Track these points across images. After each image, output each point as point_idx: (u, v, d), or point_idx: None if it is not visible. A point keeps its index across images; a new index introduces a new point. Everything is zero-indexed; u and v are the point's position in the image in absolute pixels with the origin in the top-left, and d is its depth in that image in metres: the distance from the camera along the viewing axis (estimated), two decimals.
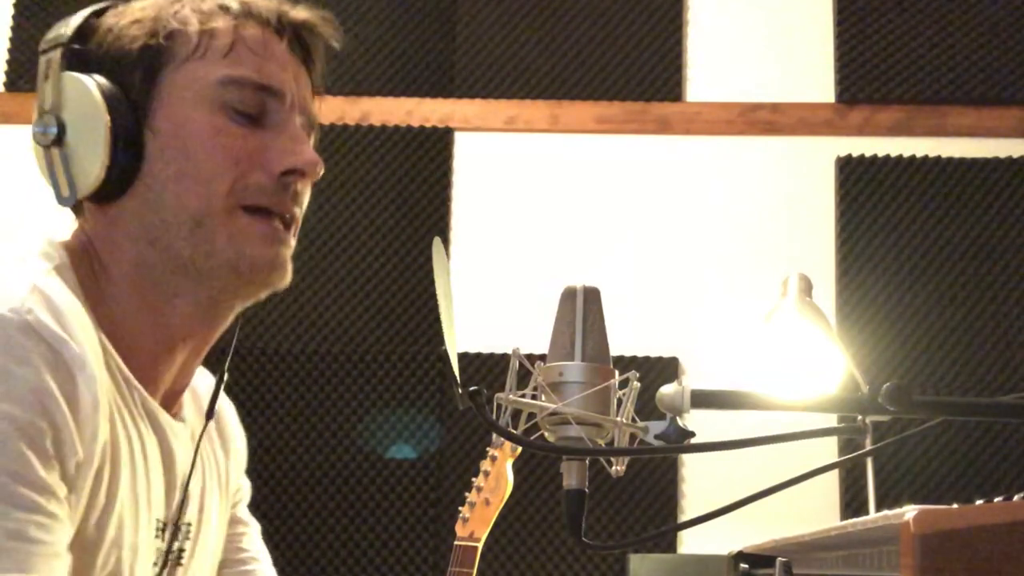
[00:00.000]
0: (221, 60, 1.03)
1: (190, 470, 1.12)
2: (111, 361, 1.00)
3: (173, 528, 1.11)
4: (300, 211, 1.08)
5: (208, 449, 1.19)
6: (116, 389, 1.00)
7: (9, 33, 3.49)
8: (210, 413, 1.15)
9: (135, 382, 1.03)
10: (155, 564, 1.08)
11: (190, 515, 1.13)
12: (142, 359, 1.03)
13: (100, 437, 0.95)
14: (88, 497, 0.96)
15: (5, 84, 3.45)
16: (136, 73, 1.02)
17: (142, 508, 1.04)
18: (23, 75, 3.44)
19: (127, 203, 1.03)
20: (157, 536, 1.08)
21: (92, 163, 1.00)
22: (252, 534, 1.31)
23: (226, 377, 1.17)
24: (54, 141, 1.01)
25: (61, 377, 0.91)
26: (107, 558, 0.99)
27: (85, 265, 1.03)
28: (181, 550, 1.12)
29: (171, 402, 1.10)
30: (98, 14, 1.06)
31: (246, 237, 1.03)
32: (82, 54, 1.02)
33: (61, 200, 1.02)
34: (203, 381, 1.21)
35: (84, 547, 0.97)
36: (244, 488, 1.31)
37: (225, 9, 1.05)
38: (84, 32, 1.03)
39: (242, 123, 1.04)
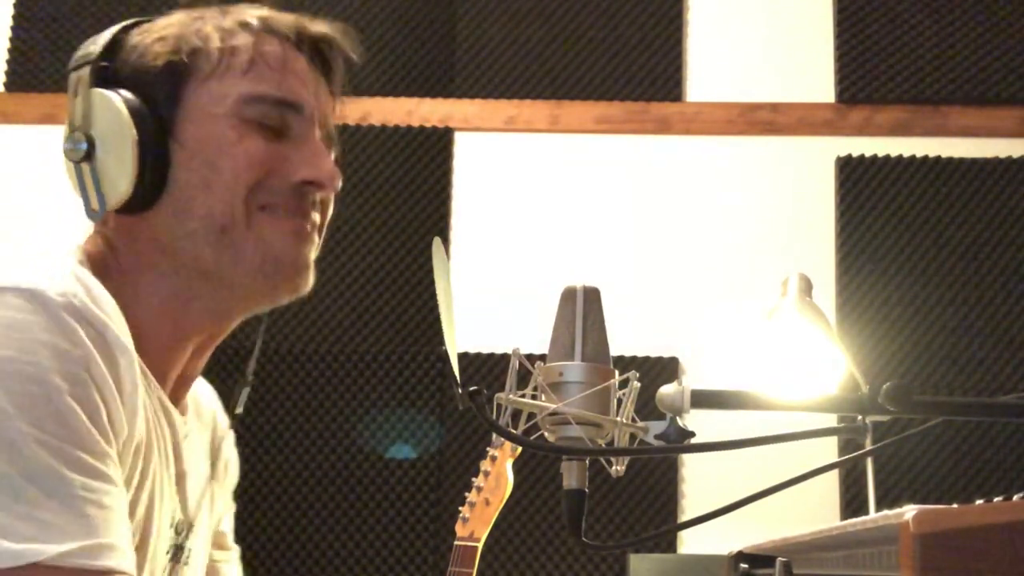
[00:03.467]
0: (242, 77, 1.07)
1: (198, 472, 1.16)
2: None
3: (186, 525, 1.14)
4: (323, 219, 1.13)
5: (206, 464, 1.22)
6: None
7: (9, 33, 3.49)
8: (216, 459, 1.21)
9: (150, 374, 1.06)
10: (167, 554, 1.11)
11: (193, 515, 1.16)
12: (153, 355, 1.07)
13: (139, 417, 0.99)
14: (127, 476, 0.99)
15: (5, 84, 3.45)
16: (160, 88, 1.06)
17: (161, 495, 1.07)
18: (23, 75, 3.44)
19: (154, 214, 1.06)
20: (171, 527, 1.11)
21: (121, 177, 1.04)
22: (234, 558, 1.35)
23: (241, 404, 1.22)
24: (84, 157, 1.05)
25: (107, 357, 0.94)
26: (138, 536, 1.02)
27: (101, 267, 1.06)
28: (184, 547, 1.15)
29: (177, 397, 1.13)
30: (125, 30, 1.10)
31: (271, 236, 1.07)
32: (109, 71, 1.06)
33: (90, 214, 1.06)
34: (201, 389, 1.24)
35: None
36: (229, 512, 1.34)
37: (245, 26, 1.09)
38: (111, 49, 1.07)
39: (265, 135, 1.08)
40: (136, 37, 1.08)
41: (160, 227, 1.06)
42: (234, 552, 1.34)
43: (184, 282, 1.07)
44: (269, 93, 1.08)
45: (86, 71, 1.06)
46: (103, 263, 1.07)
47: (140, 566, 1.03)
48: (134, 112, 1.04)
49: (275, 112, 1.08)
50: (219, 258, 1.06)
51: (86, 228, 1.12)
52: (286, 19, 1.11)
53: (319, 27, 1.13)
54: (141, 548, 1.02)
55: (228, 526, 1.33)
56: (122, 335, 0.97)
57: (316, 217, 1.12)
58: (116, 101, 1.04)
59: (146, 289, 1.07)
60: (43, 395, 0.89)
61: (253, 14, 1.11)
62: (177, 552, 1.12)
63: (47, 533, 0.86)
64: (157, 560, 1.07)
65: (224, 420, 1.28)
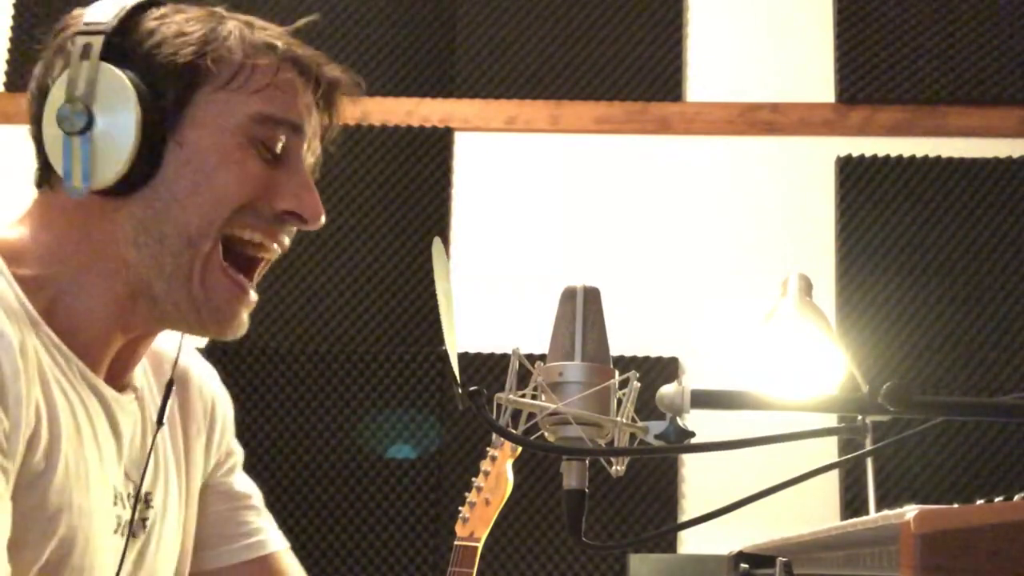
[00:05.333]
0: (256, 95, 1.07)
1: (152, 441, 1.14)
2: (40, 331, 1.02)
3: (134, 497, 1.12)
4: (278, 254, 1.13)
5: (177, 431, 1.21)
6: (51, 358, 1.02)
7: (9, 33, 3.49)
8: (160, 418, 1.16)
9: (71, 354, 1.04)
10: (115, 531, 1.09)
11: (149, 485, 1.14)
12: (83, 337, 1.05)
13: (24, 403, 0.96)
14: (22, 463, 0.96)
15: (5, 84, 3.45)
16: (173, 84, 1.04)
17: (92, 473, 1.05)
18: (23, 75, 3.43)
19: (129, 204, 1.04)
20: (116, 504, 1.09)
21: (114, 160, 1.02)
22: (253, 504, 1.32)
23: (173, 384, 1.19)
24: (80, 130, 1.02)
25: None
26: (56, 522, 1.00)
27: (20, 251, 1.04)
28: (144, 519, 1.13)
29: (117, 377, 1.11)
30: (140, 9, 1.07)
31: (217, 288, 1.07)
32: (121, 48, 1.03)
33: (71, 190, 1.02)
34: (193, 362, 1.24)
35: (30, 511, 0.98)
36: (236, 455, 1.31)
37: (271, 48, 1.09)
38: (125, 26, 1.05)
39: (264, 158, 1.08)
40: (152, 22, 1.06)
41: (129, 217, 1.05)
42: (252, 499, 1.31)
43: (134, 277, 1.06)
44: (279, 115, 1.08)
45: (97, 41, 1.03)
46: (27, 244, 1.05)
47: (71, 552, 1.01)
48: (142, 98, 1.02)
49: (278, 134, 1.08)
50: (174, 271, 1.05)
51: (11, 212, 1.10)
52: (307, 52, 1.12)
53: (334, 71, 1.14)
54: (68, 531, 1.00)
55: (235, 479, 1.30)
56: (1, 320, 0.95)
57: (285, 241, 1.12)
58: (127, 83, 1.01)
59: (85, 282, 1.05)
60: None
61: (278, 37, 1.11)
62: (133, 526, 1.11)
63: None
64: (98, 540, 1.05)
65: (217, 387, 1.27)
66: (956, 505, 0.75)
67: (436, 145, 3.40)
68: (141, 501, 1.13)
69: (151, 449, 1.14)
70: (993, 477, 3.08)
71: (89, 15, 1.05)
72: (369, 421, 3.22)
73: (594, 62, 3.43)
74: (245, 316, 1.10)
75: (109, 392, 1.09)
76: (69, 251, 1.05)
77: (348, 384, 3.25)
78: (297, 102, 1.10)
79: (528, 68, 3.43)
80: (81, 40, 1.03)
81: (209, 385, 1.28)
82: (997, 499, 0.77)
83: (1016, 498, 0.78)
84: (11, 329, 0.96)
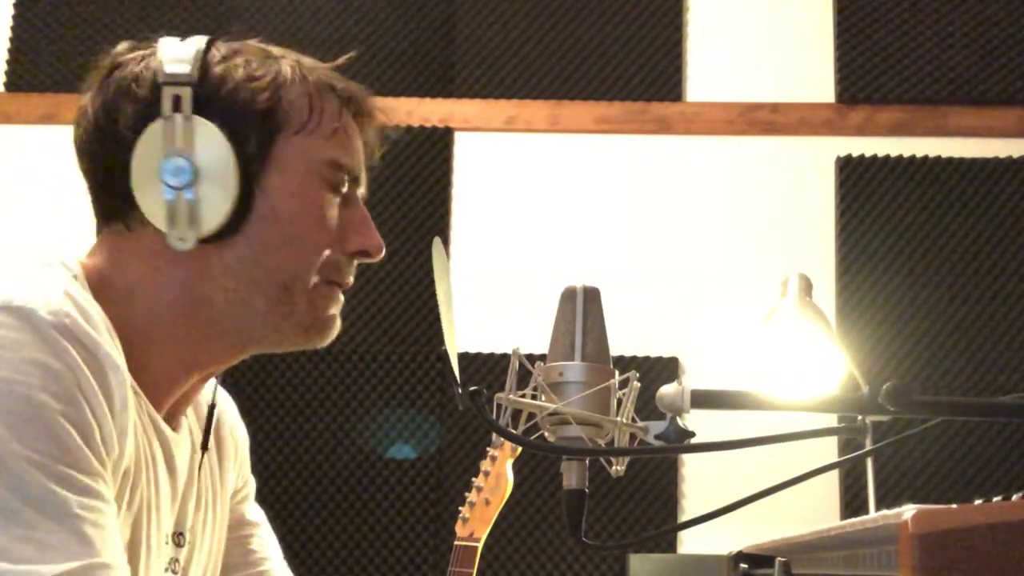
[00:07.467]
0: (327, 141, 1.09)
1: (196, 482, 1.16)
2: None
3: (178, 536, 1.14)
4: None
5: (206, 460, 1.22)
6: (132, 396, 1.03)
7: (9, 33, 3.49)
8: (205, 443, 1.19)
9: (142, 393, 1.05)
10: (166, 569, 1.11)
11: (191, 523, 1.16)
12: (153, 377, 1.06)
13: (128, 437, 0.98)
14: (116, 494, 0.99)
15: (5, 84, 3.45)
16: (254, 131, 1.05)
17: (154, 513, 1.07)
18: (23, 75, 3.44)
19: (220, 249, 1.05)
20: (167, 543, 1.11)
21: (216, 212, 1.03)
22: (260, 534, 1.35)
23: (216, 408, 1.21)
24: (186, 185, 1.02)
25: (98, 376, 0.94)
26: (126, 554, 1.01)
27: (104, 285, 1.05)
28: (181, 559, 1.15)
29: (173, 416, 1.13)
30: (205, 54, 1.06)
31: (323, 303, 1.10)
32: (204, 98, 1.04)
33: (176, 241, 1.03)
34: (207, 394, 1.24)
35: None
36: (249, 485, 1.34)
37: (331, 88, 1.11)
38: (202, 74, 1.05)
39: (335, 201, 1.11)
40: (219, 66, 1.06)
41: (214, 265, 1.05)
42: (260, 527, 1.34)
43: (217, 319, 1.06)
44: (347, 163, 1.10)
45: (187, 92, 1.03)
46: (108, 282, 1.05)
47: None
48: (235, 149, 1.03)
49: (344, 180, 1.10)
50: (270, 310, 1.07)
51: (90, 240, 1.10)
52: (357, 90, 1.13)
53: (375, 107, 1.16)
54: (131, 566, 1.01)
55: (247, 508, 1.33)
56: (113, 354, 0.96)
57: (350, 279, 1.14)
58: (224, 137, 1.03)
59: (162, 323, 1.05)
60: (35, 415, 0.89)
61: (331, 77, 1.12)
62: (172, 563, 1.13)
63: (45, 553, 0.86)
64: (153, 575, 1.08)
65: (238, 419, 1.29)
66: (954, 505, 0.76)
67: (436, 145, 3.40)
68: (185, 536, 1.15)
69: (198, 486, 1.16)
70: (992, 477, 3.08)
71: (167, 64, 1.04)
72: (369, 421, 3.22)
73: (594, 62, 3.43)
74: (338, 316, 1.14)
75: (168, 431, 1.10)
76: (147, 292, 1.06)
77: (348, 384, 3.26)
78: (356, 145, 1.13)
79: (528, 68, 3.43)
80: (169, 92, 1.03)
81: (234, 416, 1.30)
82: (996, 499, 0.78)
83: (1015, 498, 0.78)
84: (121, 364, 0.97)
